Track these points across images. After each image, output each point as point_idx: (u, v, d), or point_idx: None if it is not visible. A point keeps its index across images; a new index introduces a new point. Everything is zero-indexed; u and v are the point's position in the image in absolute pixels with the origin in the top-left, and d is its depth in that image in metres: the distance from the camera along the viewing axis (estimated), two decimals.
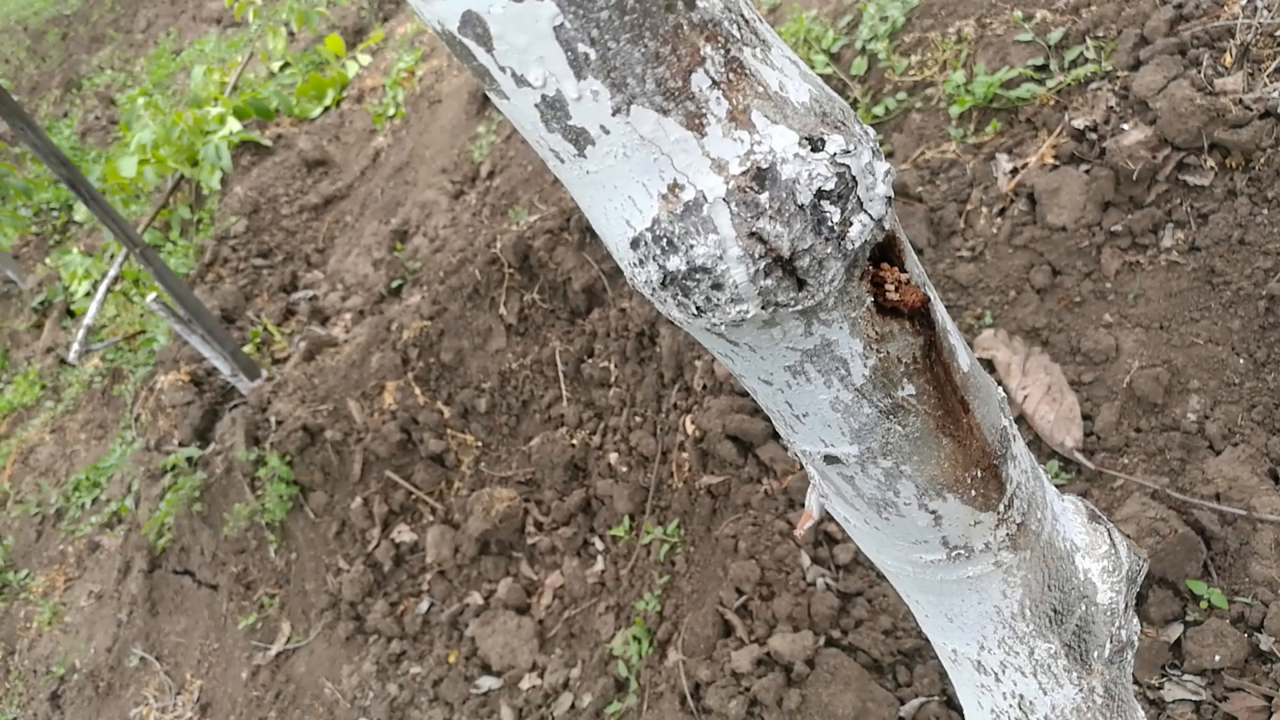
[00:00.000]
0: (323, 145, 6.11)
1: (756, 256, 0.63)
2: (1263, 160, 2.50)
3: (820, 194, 0.62)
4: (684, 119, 0.60)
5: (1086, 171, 2.78)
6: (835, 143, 0.63)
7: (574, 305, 3.82)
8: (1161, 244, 2.63)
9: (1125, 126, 2.77)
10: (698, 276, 0.64)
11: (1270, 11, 2.67)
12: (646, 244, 0.65)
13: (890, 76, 3.43)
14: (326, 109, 6.50)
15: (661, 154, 0.61)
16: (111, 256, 5.97)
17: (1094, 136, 2.82)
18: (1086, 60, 2.97)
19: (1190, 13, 2.83)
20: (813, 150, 0.62)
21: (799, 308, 0.67)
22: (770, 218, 0.62)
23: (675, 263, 0.64)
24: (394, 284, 4.65)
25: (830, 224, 0.63)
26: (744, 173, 0.61)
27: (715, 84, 0.60)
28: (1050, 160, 2.88)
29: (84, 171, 6.90)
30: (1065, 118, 2.91)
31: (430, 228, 4.74)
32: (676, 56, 0.58)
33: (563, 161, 0.64)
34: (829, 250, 0.64)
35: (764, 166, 0.61)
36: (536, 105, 0.61)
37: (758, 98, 0.62)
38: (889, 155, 3.27)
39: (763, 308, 0.66)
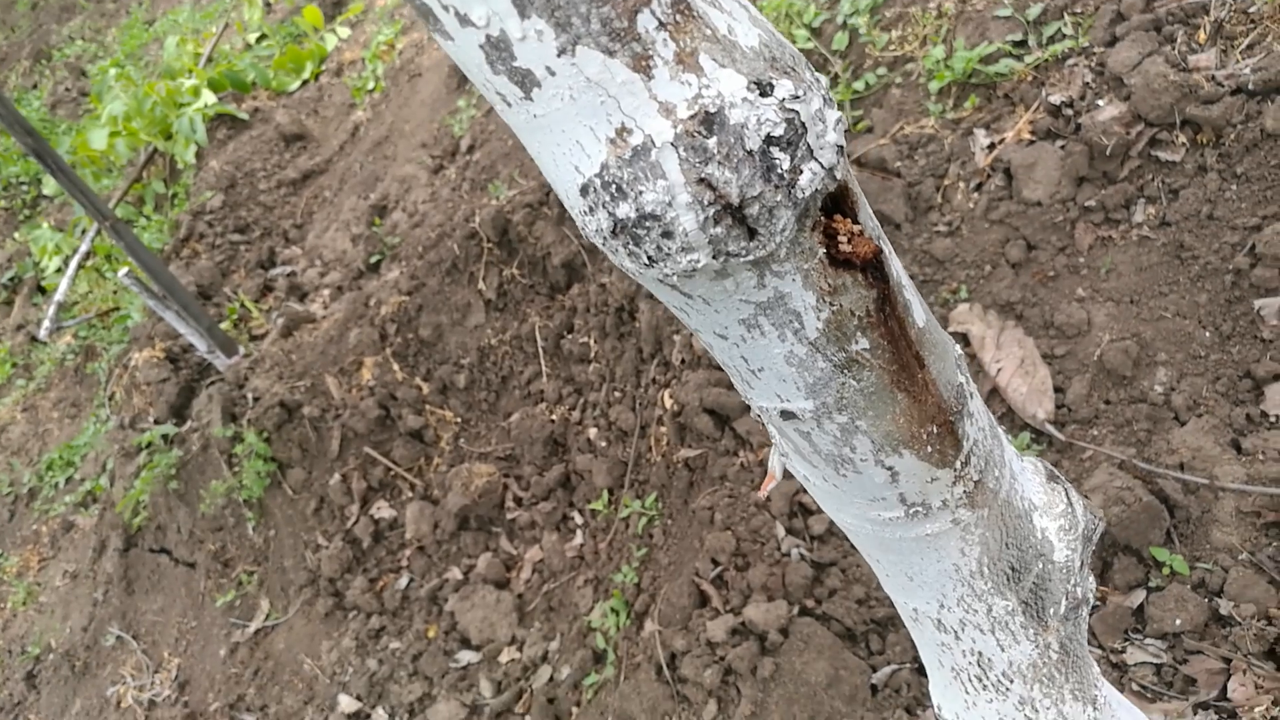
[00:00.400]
0: (301, 119, 6.06)
1: (706, 203, 0.63)
2: (1233, 136, 2.51)
3: (769, 140, 0.62)
4: (630, 60, 0.60)
5: (1062, 147, 2.79)
6: (784, 88, 0.63)
7: (553, 280, 3.81)
8: (1133, 219, 2.64)
9: (1100, 102, 2.78)
10: (648, 224, 0.64)
11: None
12: (596, 190, 0.65)
13: (871, 51, 3.42)
14: (304, 82, 6.43)
15: (608, 96, 0.60)
16: (83, 231, 5.91)
17: (1070, 112, 2.83)
18: (1064, 36, 2.97)
19: None
20: (761, 95, 0.62)
21: (750, 258, 0.67)
22: (719, 163, 0.61)
23: (625, 210, 0.64)
24: (372, 259, 4.62)
25: (780, 171, 0.63)
26: (692, 116, 0.61)
27: (662, 25, 0.60)
28: (1027, 136, 2.89)
29: (54, 144, 6.82)
30: (1042, 93, 2.91)
31: (409, 203, 4.72)
32: None
33: (510, 105, 0.64)
34: (779, 198, 0.64)
35: (712, 110, 0.61)
36: (481, 46, 0.60)
37: (705, 40, 0.61)
38: (868, 131, 3.27)
39: (714, 257, 0.66)
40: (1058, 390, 2.54)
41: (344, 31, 6.57)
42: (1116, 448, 2.36)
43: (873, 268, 0.75)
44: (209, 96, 6.01)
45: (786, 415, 0.84)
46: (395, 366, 4.00)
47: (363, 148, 5.50)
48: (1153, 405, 2.39)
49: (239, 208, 5.55)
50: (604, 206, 0.65)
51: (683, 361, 3.20)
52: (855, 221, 0.73)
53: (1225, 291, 2.42)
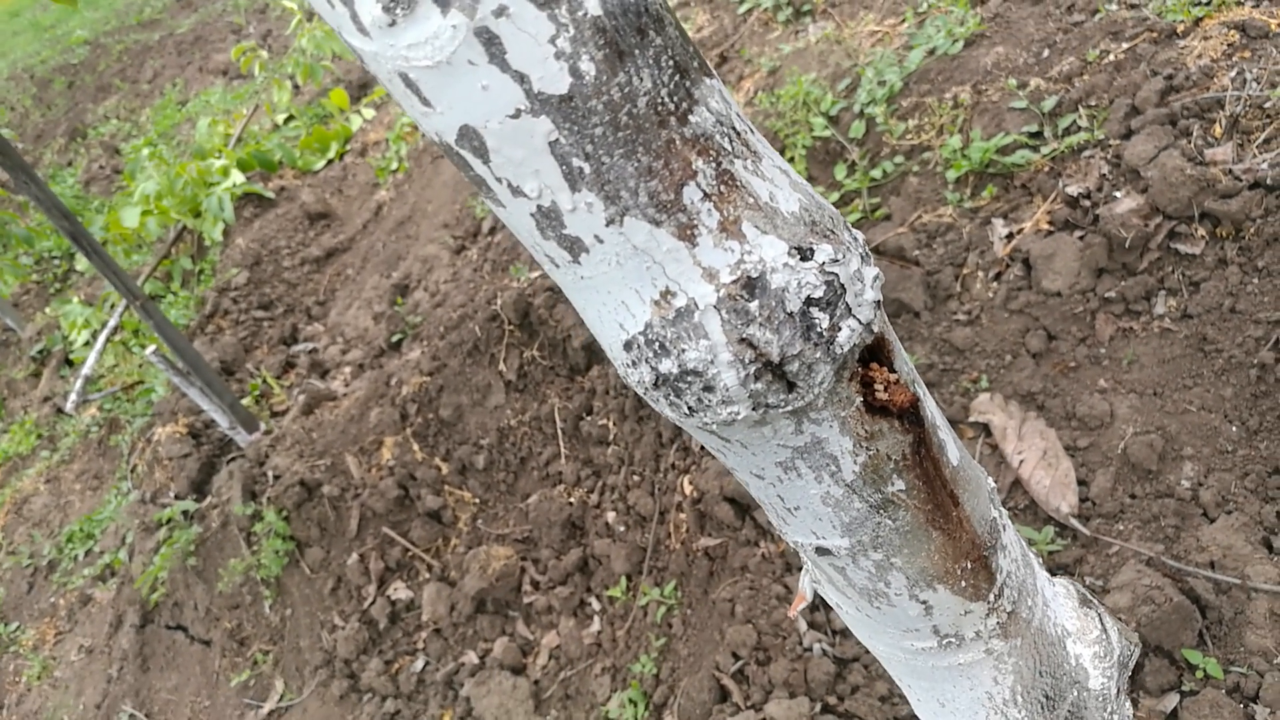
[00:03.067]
0: (325, 198, 6.17)
1: (747, 361, 0.64)
2: (1252, 230, 2.53)
3: (809, 301, 0.64)
4: (676, 230, 0.62)
5: (1080, 238, 2.82)
6: (824, 251, 0.65)
7: (573, 362, 3.83)
8: (1154, 311, 2.65)
9: (1118, 194, 2.80)
10: (689, 379, 0.66)
11: (1259, 84, 2.72)
12: (639, 347, 0.66)
13: (888, 140, 3.48)
14: (330, 162, 6.57)
15: (654, 262, 0.62)
16: (112, 306, 5.99)
17: (1087, 204, 2.86)
18: (1079, 128, 3.02)
19: (1180, 83, 2.88)
20: (802, 259, 0.64)
21: (789, 409, 0.68)
22: (760, 325, 0.63)
23: (667, 365, 0.66)
24: (394, 338, 4.67)
25: (819, 330, 0.65)
26: (734, 281, 0.63)
27: (706, 196, 0.62)
28: (1045, 226, 2.91)
29: (87, 221, 6.96)
30: (1059, 184, 2.95)
31: (431, 282, 4.77)
32: (669, 170, 0.60)
33: (558, 267, 0.66)
34: (818, 355, 0.66)
35: (754, 275, 0.63)
36: (532, 215, 0.62)
37: (748, 208, 0.63)
38: (886, 219, 3.31)
39: (753, 409, 0.67)
40: (1081, 483, 2.53)
41: (369, 113, 6.72)
42: (1144, 544, 2.34)
43: (908, 414, 0.76)
44: (237, 176, 6.14)
45: (822, 551, 0.85)
46: (415, 446, 4.01)
47: (386, 227, 5.58)
48: (1180, 501, 2.37)
49: (263, 284, 5.63)
50: (647, 361, 0.67)
51: (702, 448, 3.19)
52: (892, 370, 0.74)
53: (1251, 386, 2.41)
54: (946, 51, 3.53)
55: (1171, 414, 2.49)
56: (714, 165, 0.62)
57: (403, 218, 5.49)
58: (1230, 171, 2.63)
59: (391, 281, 5.03)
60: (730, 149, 0.63)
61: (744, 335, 0.63)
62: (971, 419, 2.74)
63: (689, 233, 0.62)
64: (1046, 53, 3.30)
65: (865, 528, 0.80)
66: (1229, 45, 2.91)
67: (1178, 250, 2.65)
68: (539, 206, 0.61)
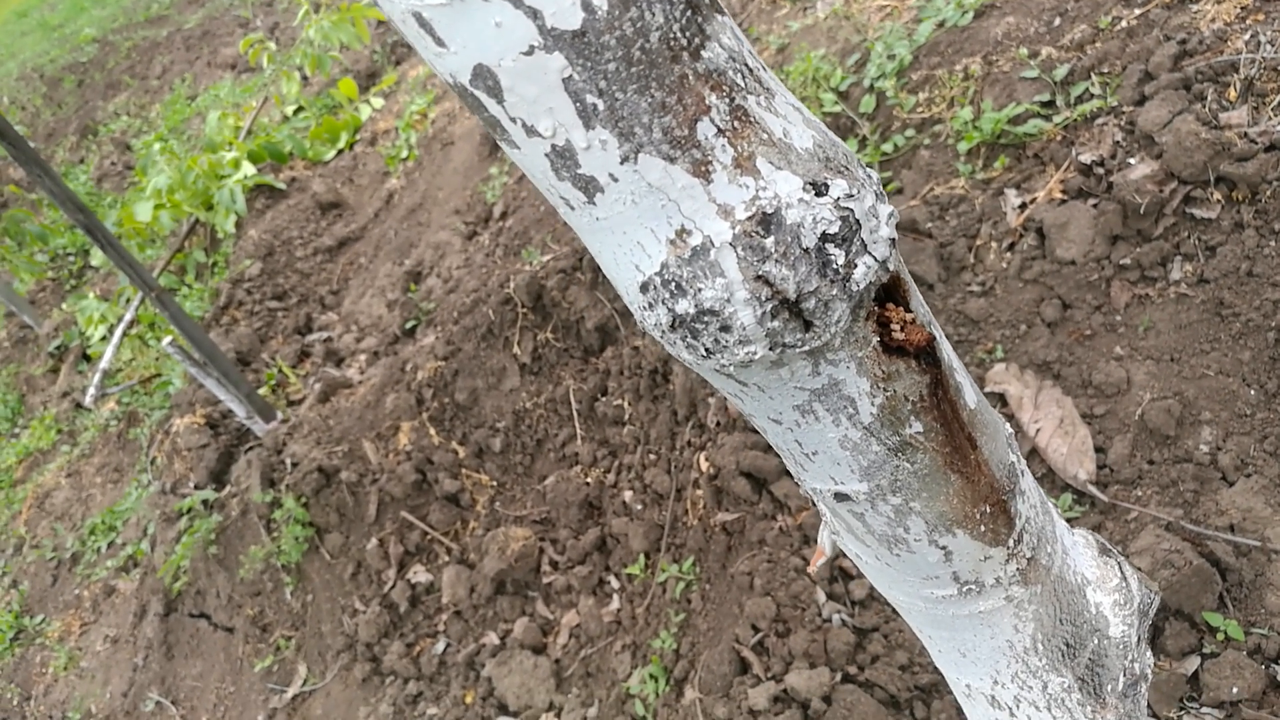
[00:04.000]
0: (336, 188, 6.19)
1: (763, 299, 0.64)
2: (1269, 193, 2.51)
3: (825, 237, 0.64)
4: (690, 166, 0.62)
5: (1094, 205, 2.80)
6: (839, 187, 0.65)
7: (587, 344, 3.84)
8: (1170, 276, 2.64)
9: (1131, 161, 2.79)
10: (706, 319, 0.66)
11: (1273, 46, 2.70)
12: (655, 288, 0.67)
13: (898, 113, 3.46)
14: (340, 152, 6.59)
15: (669, 200, 0.63)
16: (127, 300, 6.03)
17: (1101, 171, 2.84)
18: (1092, 96, 3.00)
19: (1194, 48, 2.86)
20: (817, 195, 0.64)
21: (806, 348, 0.68)
22: (776, 261, 0.63)
23: (684, 306, 0.66)
24: (408, 325, 4.68)
25: (835, 266, 0.65)
26: (750, 218, 0.63)
27: (720, 132, 0.62)
28: (1058, 195, 2.90)
29: (100, 216, 7.00)
30: (1072, 153, 2.93)
31: (444, 268, 4.79)
32: (682, 106, 0.60)
33: (573, 209, 0.66)
34: (834, 292, 0.66)
35: (769, 211, 0.63)
36: (546, 155, 0.63)
37: (762, 144, 0.63)
38: (898, 192, 3.30)
39: (770, 349, 0.68)
40: (1099, 450, 2.52)
41: (378, 102, 6.73)
42: (1163, 509, 2.33)
43: (925, 354, 0.76)
44: (248, 168, 6.16)
45: (840, 497, 0.85)
46: (432, 431, 4.03)
47: (397, 215, 5.60)
48: (1199, 465, 2.36)
49: (277, 275, 5.65)
50: (663, 303, 0.67)
51: (718, 424, 3.20)
52: (907, 309, 0.74)
53: (1269, 349, 2.40)
54: (956, 23, 3.51)
55: (1189, 379, 2.48)
56: (728, 101, 0.62)
57: (414, 205, 5.50)
58: (1245, 134, 2.61)
59: (404, 269, 5.05)
60: (743, 85, 0.63)
61: (760, 272, 0.63)
62: (987, 389, 2.74)
63: (703, 169, 0.62)
64: (1058, 21, 3.28)
65: (883, 471, 0.81)
66: (1242, 8, 2.88)
67: (1193, 215, 2.63)
68: (553, 146, 0.62)
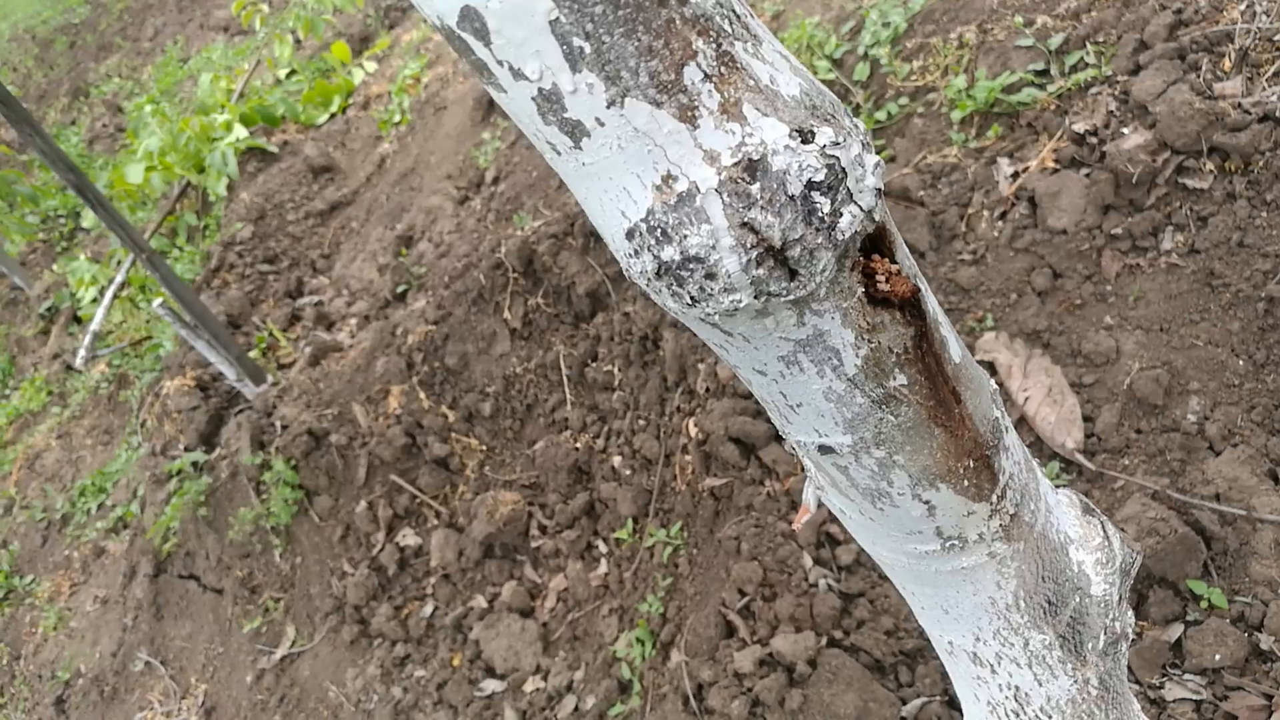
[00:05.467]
0: (328, 152, 6.15)
1: (748, 246, 0.64)
2: (1261, 164, 2.51)
3: (810, 185, 0.64)
4: (677, 111, 0.62)
5: (1087, 175, 2.80)
6: (825, 135, 0.65)
7: (578, 309, 3.84)
8: (1161, 247, 2.64)
9: (1125, 130, 2.78)
10: (691, 266, 0.66)
11: (1269, 16, 2.69)
12: (641, 234, 0.66)
13: (892, 82, 3.44)
14: (332, 116, 6.53)
15: (655, 145, 0.62)
16: (118, 263, 6.00)
17: (1094, 140, 2.84)
18: (1087, 65, 2.99)
19: (1189, 18, 2.85)
20: (803, 142, 0.64)
21: (791, 297, 0.68)
22: (761, 208, 0.63)
23: (669, 253, 0.66)
24: (399, 289, 4.67)
25: (820, 214, 0.65)
26: (736, 164, 0.63)
27: (707, 77, 0.62)
28: (1051, 164, 2.89)
29: (91, 178, 6.94)
30: (1066, 122, 2.92)
31: (435, 233, 4.77)
32: (669, 50, 0.60)
33: (559, 154, 0.66)
34: (819, 240, 0.66)
35: (755, 158, 0.63)
36: (533, 98, 0.62)
37: (749, 91, 0.63)
38: (891, 160, 3.29)
39: (755, 297, 0.68)
40: (1087, 419, 2.53)
41: (370, 66, 6.67)
42: (1149, 478, 2.35)
43: (910, 305, 0.76)
44: (240, 131, 6.11)
45: (824, 450, 0.85)
46: (422, 395, 4.03)
47: (389, 179, 5.56)
48: (1186, 435, 2.38)
49: (268, 239, 5.62)
50: (649, 250, 0.67)
51: (707, 390, 3.21)
52: (893, 261, 0.74)
53: (1259, 319, 2.41)
54: None
55: (1178, 349, 2.49)
56: (714, 46, 0.62)
57: (406, 170, 5.47)
58: (1240, 105, 2.60)
59: (395, 233, 5.03)
60: (730, 31, 0.63)
61: (745, 219, 0.63)
62: (977, 358, 2.74)
63: (690, 114, 0.62)
64: None
65: (867, 424, 0.81)
66: None
67: (1185, 185, 2.63)
68: (540, 89, 0.61)
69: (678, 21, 0.60)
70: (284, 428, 4.08)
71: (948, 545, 0.94)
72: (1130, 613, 1.11)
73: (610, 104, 0.61)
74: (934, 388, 0.81)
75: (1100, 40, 3.00)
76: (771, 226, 0.64)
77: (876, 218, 0.70)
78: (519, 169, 4.57)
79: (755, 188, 0.63)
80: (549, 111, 0.63)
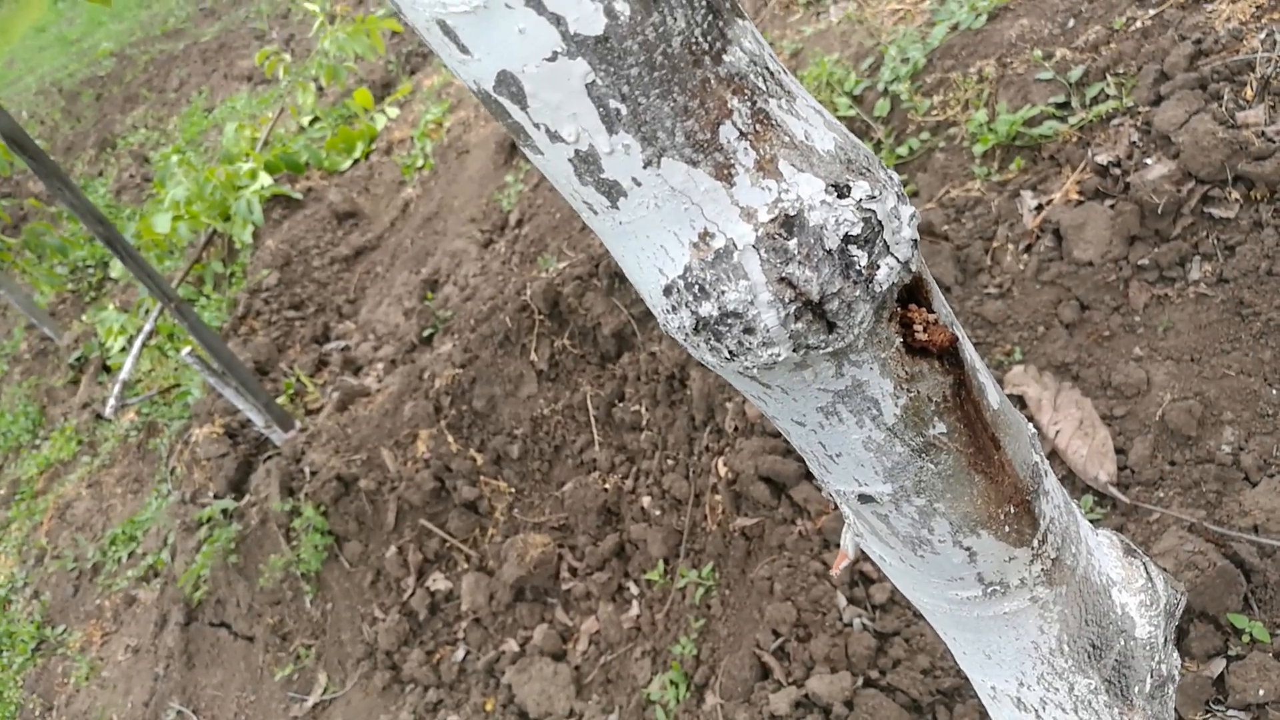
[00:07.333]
0: (352, 197, 6.22)
1: (786, 301, 0.65)
2: None
3: (847, 239, 0.64)
4: (713, 170, 0.62)
5: (1111, 206, 2.79)
6: (861, 188, 0.65)
7: (604, 350, 3.85)
8: (1189, 276, 2.62)
9: (1148, 161, 2.78)
10: (730, 321, 0.66)
11: None
12: (679, 291, 0.67)
13: (913, 117, 3.46)
14: (356, 161, 6.62)
15: (692, 204, 0.63)
16: (146, 312, 6.08)
17: (1117, 172, 2.83)
18: (1108, 97, 2.99)
19: (1209, 47, 2.85)
20: (839, 196, 0.64)
21: (829, 350, 0.69)
22: (799, 263, 0.64)
23: (707, 309, 0.66)
24: (425, 333, 4.70)
25: (858, 267, 0.65)
26: (773, 220, 0.63)
27: (743, 135, 0.62)
28: (1075, 196, 2.89)
29: (119, 228, 7.05)
30: (1088, 154, 2.92)
31: (460, 276, 4.80)
32: (705, 110, 0.61)
33: (596, 213, 0.67)
34: (857, 293, 0.66)
35: (792, 214, 0.63)
36: (570, 160, 0.63)
37: (784, 147, 0.64)
38: (914, 195, 3.30)
39: (794, 350, 0.68)
40: (1119, 452, 2.51)
41: (393, 111, 6.77)
42: (1185, 510, 2.32)
43: (948, 354, 0.76)
44: (265, 178, 6.21)
45: (864, 499, 0.85)
46: (450, 438, 4.04)
47: (413, 224, 5.62)
48: (1221, 466, 2.34)
49: (294, 285, 5.69)
50: (687, 306, 0.67)
51: (736, 429, 3.20)
52: (930, 310, 0.74)
53: None
54: (970, 26, 3.50)
55: (1210, 379, 2.47)
56: (749, 104, 0.62)
57: (430, 214, 5.53)
58: (1263, 133, 2.59)
59: (421, 277, 5.07)
60: (765, 88, 0.63)
61: (783, 274, 0.64)
62: (1006, 391, 2.73)
63: (726, 172, 0.62)
64: (1072, 22, 3.27)
65: (907, 472, 0.81)
66: (1257, 7, 2.87)
67: (1211, 214, 2.62)
68: (577, 151, 0.62)
69: (713, 81, 0.61)
70: (313, 473, 4.10)
71: (989, 591, 0.93)
72: (1176, 654, 1.09)
73: (647, 164, 0.62)
74: (973, 435, 0.81)
75: (1120, 72, 3.00)
76: (809, 281, 0.64)
77: (913, 268, 0.70)
78: (542, 211, 4.61)
79: (793, 243, 0.63)
80: (586, 172, 0.63)
